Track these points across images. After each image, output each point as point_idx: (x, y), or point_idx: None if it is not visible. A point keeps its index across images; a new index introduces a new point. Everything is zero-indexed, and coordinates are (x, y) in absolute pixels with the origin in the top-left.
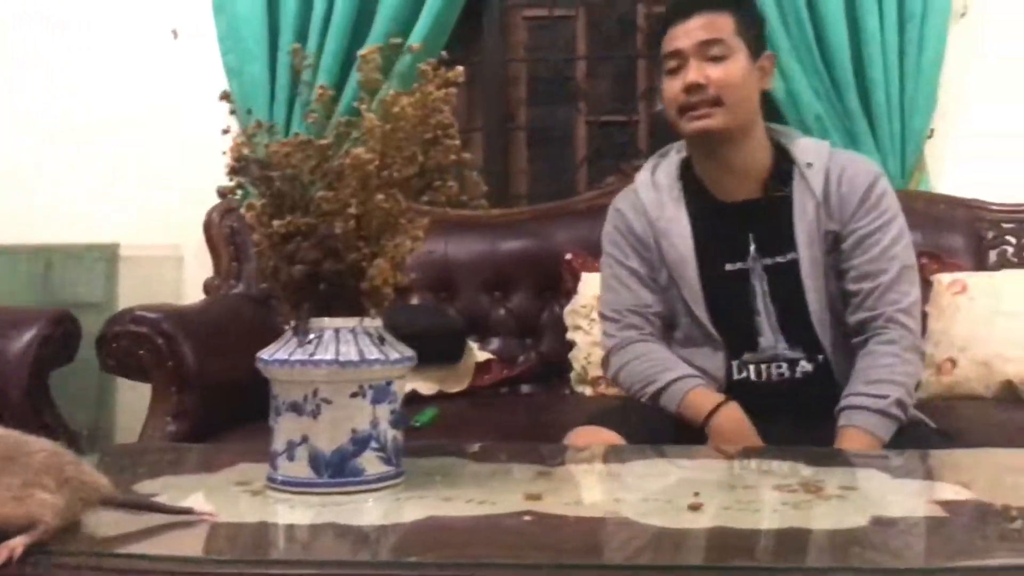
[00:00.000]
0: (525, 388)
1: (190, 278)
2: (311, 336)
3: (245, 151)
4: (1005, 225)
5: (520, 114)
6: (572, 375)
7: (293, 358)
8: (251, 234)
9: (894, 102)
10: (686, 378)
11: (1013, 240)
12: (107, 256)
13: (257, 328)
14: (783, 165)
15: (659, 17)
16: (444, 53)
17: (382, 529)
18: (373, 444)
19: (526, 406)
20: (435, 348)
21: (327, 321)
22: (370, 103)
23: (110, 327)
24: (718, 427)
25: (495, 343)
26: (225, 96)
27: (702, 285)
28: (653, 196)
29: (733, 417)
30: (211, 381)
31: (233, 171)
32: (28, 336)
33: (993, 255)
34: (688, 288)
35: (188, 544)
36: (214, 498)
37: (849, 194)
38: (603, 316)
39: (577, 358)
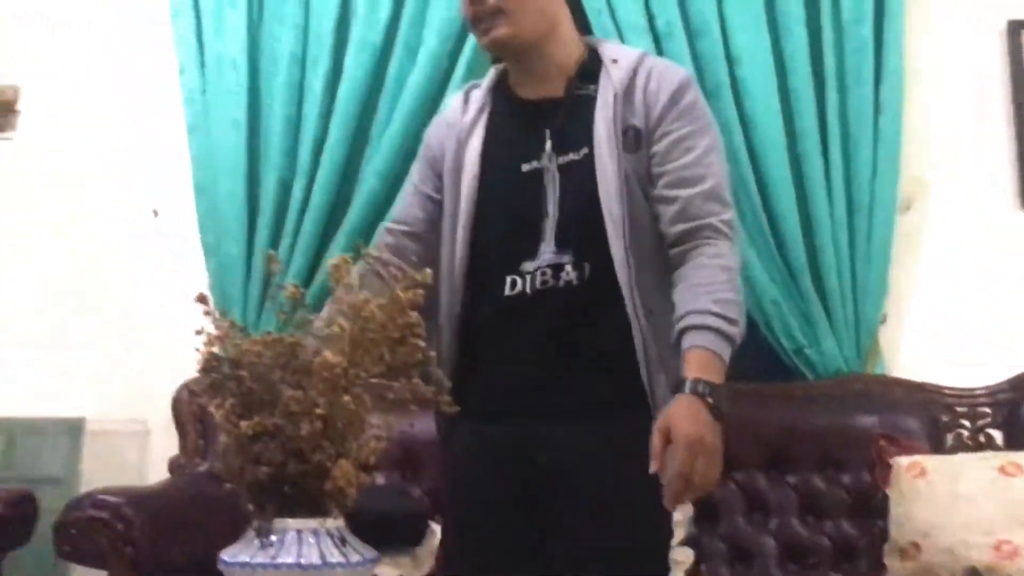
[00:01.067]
0: None
1: (155, 454)
2: (273, 537)
3: (216, 350)
4: (959, 409)
5: None
6: None
7: (255, 560)
8: (218, 433)
9: (847, 288)
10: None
11: (968, 424)
12: (71, 430)
13: (221, 509)
14: (591, 65)
15: None
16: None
17: None
18: None
19: None
20: (396, 532)
21: (290, 522)
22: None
23: (69, 513)
24: None
25: None
26: (202, 299)
27: (486, 194)
28: (459, 106)
29: None
30: (169, 567)
31: (205, 370)
32: None
33: (950, 438)
34: (462, 198)
35: None
36: None
37: (657, 92)
38: None
39: None
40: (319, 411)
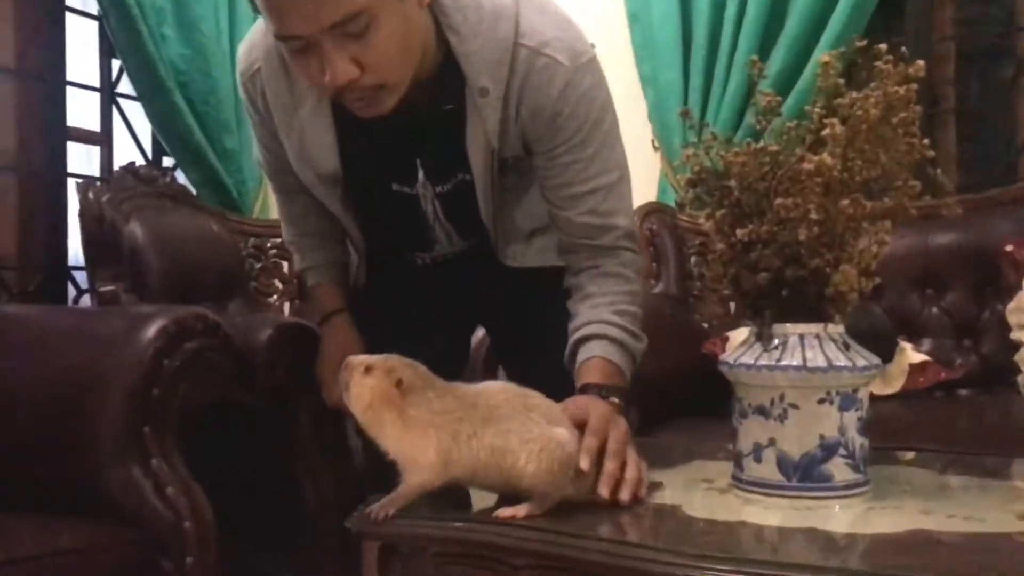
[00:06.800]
0: (963, 392)
1: None
2: (775, 342)
3: (704, 162)
4: None
5: (948, 95)
6: (1020, 378)
7: (759, 363)
8: (698, 241)
9: None
10: (311, 270)
11: None
12: None
13: (679, 327)
14: (453, 78)
15: None
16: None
17: (854, 537)
18: (841, 451)
19: (966, 411)
20: (866, 349)
21: (791, 327)
22: (825, 106)
23: None
24: (322, 345)
25: (927, 344)
26: (685, 113)
27: (355, 203)
28: (282, 87)
29: (335, 335)
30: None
31: (692, 183)
32: None
33: None
34: (331, 204)
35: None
36: (684, 493)
37: (532, 121)
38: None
39: None
40: (813, 216)
